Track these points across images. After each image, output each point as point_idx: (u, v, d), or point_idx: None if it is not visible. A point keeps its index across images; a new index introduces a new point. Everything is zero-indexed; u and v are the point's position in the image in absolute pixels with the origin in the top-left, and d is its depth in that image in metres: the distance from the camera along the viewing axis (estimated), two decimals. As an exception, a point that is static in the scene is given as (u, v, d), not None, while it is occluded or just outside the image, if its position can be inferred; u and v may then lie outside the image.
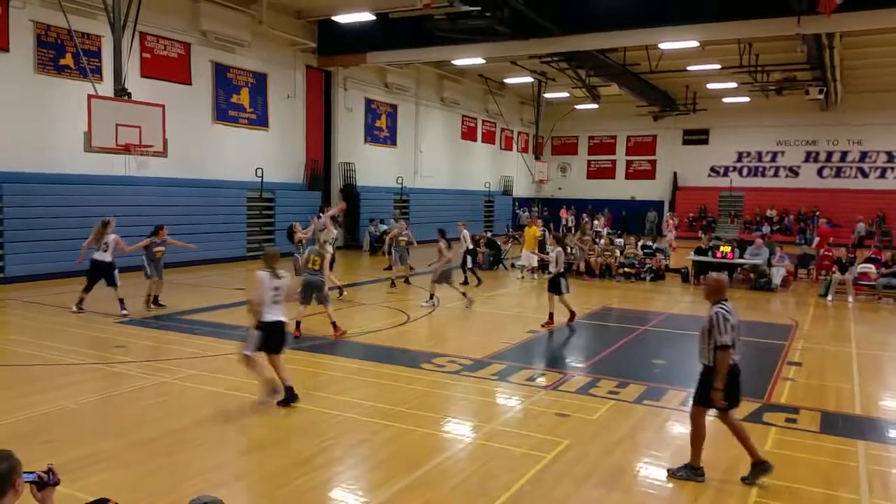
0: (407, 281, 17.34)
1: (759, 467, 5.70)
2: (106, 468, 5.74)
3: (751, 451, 5.77)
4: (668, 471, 5.89)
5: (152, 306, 13.04)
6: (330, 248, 13.06)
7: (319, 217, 15.62)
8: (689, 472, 5.78)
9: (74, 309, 12.38)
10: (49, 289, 14.81)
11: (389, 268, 18.14)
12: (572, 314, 12.45)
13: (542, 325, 12.19)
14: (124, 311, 12.24)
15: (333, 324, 10.94)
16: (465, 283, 16.98)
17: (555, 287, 12.19)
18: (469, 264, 17.54)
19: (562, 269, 12.24)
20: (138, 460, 5.92)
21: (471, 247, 17.99)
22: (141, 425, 6.79)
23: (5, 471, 2.74)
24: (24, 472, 2.84)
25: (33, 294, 14.37)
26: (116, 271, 12.41)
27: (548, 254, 13.51)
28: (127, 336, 10.87)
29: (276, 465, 5.87)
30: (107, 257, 12.34)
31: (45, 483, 2.94)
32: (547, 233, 21.66)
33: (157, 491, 5.20)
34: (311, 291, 10.88)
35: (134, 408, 7.37)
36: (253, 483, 5.56)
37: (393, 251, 17.26)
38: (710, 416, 5.90)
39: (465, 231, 18.25)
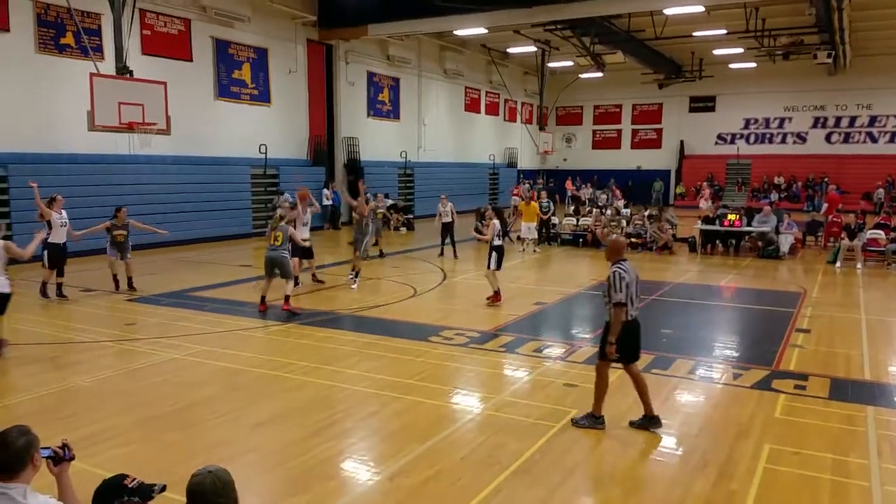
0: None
1: (652, 420, 6.09)
2: (120, 443, 5.81)
3: (646, 405, 6.13)
4: (572, 420, 6.22)
5: (127, 289, 12.58)
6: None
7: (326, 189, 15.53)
8: (591, 421, 6.13)
9: (52, 297, 11.85)
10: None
11: (376, 243, 18.02)
12: (496, 294, 11.69)
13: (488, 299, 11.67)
14: (45, 296, 11.81)
15: (286, 297, 10.78)
16: (443, 254, 17.25)
17: (488, 261, 11.72)
18: (447, 235, 17.54)
19: (498, 243, 11.66)
20: (151, 435, 5.99)
21: (448, 220, 17.60)
22: (153, 401, 6.86)
23: (23, 446, 2.79)
24: (41, 448, 2.89)
25: (41, 274, 14.41)
26: (45, 252, 11.62)
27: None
28: (136, 314, 10.95)
29: (288, 438, 5.93)
30: (57, 238, 11.73)
31: (60, 458, 2.99)
32: (552, 205, 21.58)
33: (171, 465, 5.26)
34: (272, 267, 10.93)
35: (146, 384, 7.44)
36: (265, 455, 5.62)
37: (370, 224, 17.17)
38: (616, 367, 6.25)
39: (449, 204, 17.91)
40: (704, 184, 33.33)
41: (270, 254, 10.95)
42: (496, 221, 11.88)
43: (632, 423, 6.16)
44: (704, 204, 27.35)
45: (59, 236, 11.76)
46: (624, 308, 5.96)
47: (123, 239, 12.65)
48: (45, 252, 11.67)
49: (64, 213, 11.92)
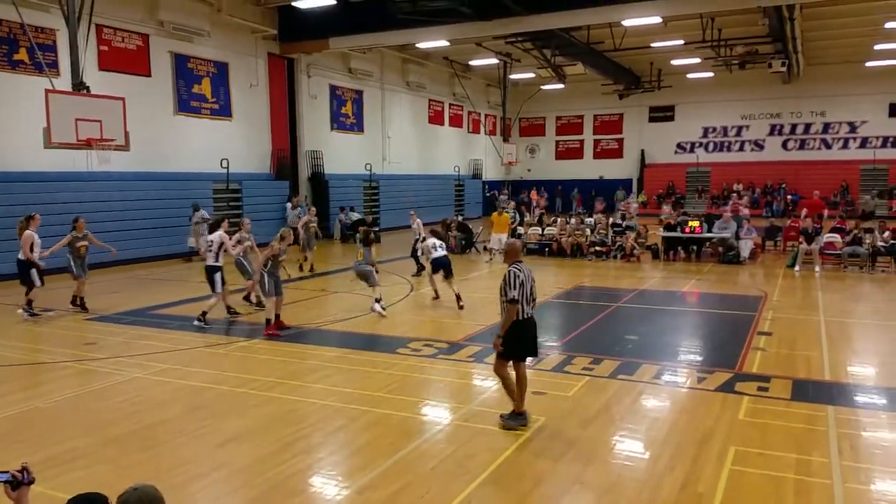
0: (301, 268, 17.26)
1: (519, 417, 6.38)
2: (82, 465, 5.66)
3: (517, 402, 6.41)
4: (501, 415, 6.46)
5: (74, 307, 12.41)
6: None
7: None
8: (515, 419, 6.37)
9: (25, 315, 11.65)
10: (14, 289, 14.46)
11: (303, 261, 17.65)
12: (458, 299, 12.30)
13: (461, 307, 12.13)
14: (27, 314, 11.61)
15: (268, 321, 10.53)
16: (420, 270, 16.82)
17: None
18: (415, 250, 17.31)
19: (436, 255, 12.64)
20: (115, 456, 5.86)
21: (419, 236, 17.35)
22: (116, 421, 6.70)
23: None
24: None
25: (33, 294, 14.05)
26: (33, 271, 11.60)
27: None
28: (97, 333, 10.70)
29: (255, 455, 5.84)
30: (21, 255, 11.68)
31: (19, 482, 2.89)
32: (518, 216, 21.72)
33: (131, 485, 5.13)
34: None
35: (108, 404, 7.27)
36: (232, 473, 5.53)
37: (303, 236, 17.14)
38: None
39: (417, 220, 18.00)
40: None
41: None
42: (431, 240, 12.95)
43: (502, 416, 6.45)
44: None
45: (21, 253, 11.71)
46: (517, 305, 6.23)
47: (86, 251, 12.41)
48: (34, 271, 11.62)
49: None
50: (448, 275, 12.50)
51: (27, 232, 11.61)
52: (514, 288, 6.23)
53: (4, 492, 2.86)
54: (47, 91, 13.46)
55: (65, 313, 12.13)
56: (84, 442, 6.17)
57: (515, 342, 6.36)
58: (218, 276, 11.25)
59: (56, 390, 7.82)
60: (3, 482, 2.83)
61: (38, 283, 11.71)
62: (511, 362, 6.49)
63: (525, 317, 6.33)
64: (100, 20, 17.40)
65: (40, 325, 11.40)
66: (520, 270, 6.34)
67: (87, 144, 13.85)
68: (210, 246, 11.28)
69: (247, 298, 12.70)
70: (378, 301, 11.84)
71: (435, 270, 12.98)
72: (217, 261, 11.23)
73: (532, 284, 6.47)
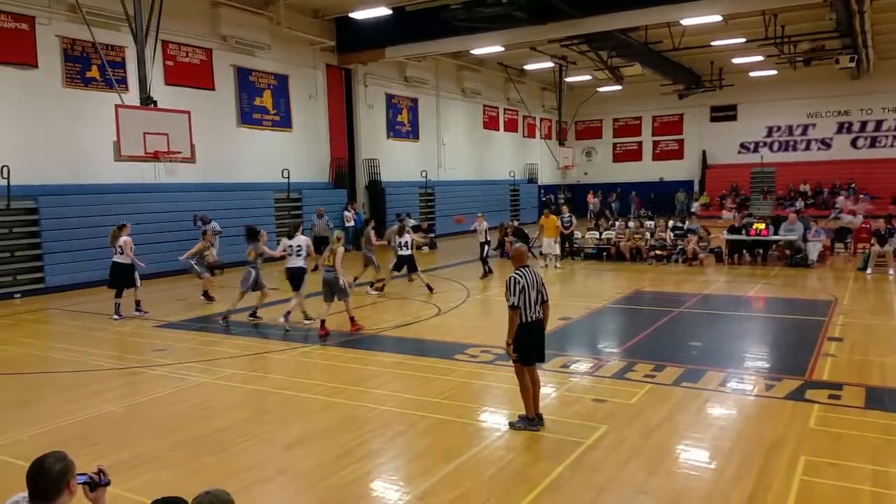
0: (381, 288, 15.27)
1: (530, 422, 6.45)
2: (153, 468, 5.87)
3: (527, 408, 6.47)
4: (510, 423, 6.55)
5: (206, 299, 14.46)
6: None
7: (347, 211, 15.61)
8: (526, 423, 6.46)
9: (115, 316, 12.65)
10: (89, 296, 15.15)
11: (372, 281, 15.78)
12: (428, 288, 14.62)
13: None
14: (138, 312, 12.95)
15: (351, 319, 11.16)
16: (488, 273, 17.20)
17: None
18: (483, 253, 17.60)
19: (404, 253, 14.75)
20: (183, 460, 6.05)
21: (483, 239, 17.73)
22: (185, 425, 6.92)
23: (60, 471, 2.84)
24: (77, 474, 2.93)
25: (74, 302, 14.72)
26: (137, 273, 13.05)
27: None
28: (166, 339, 11.07)
29: (318, 459, 5.95)
30: (124, 259, 12.81)
31: (96, 484, 3.03)
32: (574, 219, 21.44)
33: (204, 489, 5.28)
34: (329, 289, 10.94)
35: (177, 408, 7.52)
36: (297, 477, 5.64)
37: (365, 254, 15.74)
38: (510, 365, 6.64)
39: (483, 223, 18.05)
40: None
41: (325, 275, 11.00)
42: (405, 238, 14.78)
43: (511, 425, 6.56)
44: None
45: (123, 257, 12.90)
46: (518, 311, 6.34)
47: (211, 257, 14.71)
48: (137, 272, 13.07)
49: None
50: (412, 269, 14.83)
51: (126, 238, 12.83)
52: (514, 294, 6.32)
53: (83, 493, 3.01)
54: (117, 106, 14.04)
55: (134, 319, 12.59)
56: (155, 445, 6.40)
57: (520, 346, 6.43)
58: (306, 277, 12.11)
59: (130, 395, 8.14)
60: (81, 484, 2.97)
61: (138, 283, 13.10)
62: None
63: (530, 320, 6.40)
64: (165, 36, 18.05)
65: (112, 333, 11.86)
66: (521, 276, 6.38)
67: (155, 157, 14.38)
68: (299, 251, 11.83)
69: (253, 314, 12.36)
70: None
71: (398, 268, 14.89)
72: (305, 263, 12.02)
73: (540, 288, 6.50)
